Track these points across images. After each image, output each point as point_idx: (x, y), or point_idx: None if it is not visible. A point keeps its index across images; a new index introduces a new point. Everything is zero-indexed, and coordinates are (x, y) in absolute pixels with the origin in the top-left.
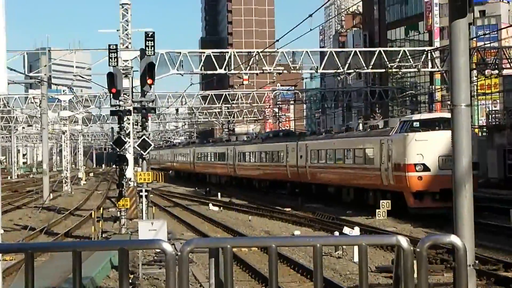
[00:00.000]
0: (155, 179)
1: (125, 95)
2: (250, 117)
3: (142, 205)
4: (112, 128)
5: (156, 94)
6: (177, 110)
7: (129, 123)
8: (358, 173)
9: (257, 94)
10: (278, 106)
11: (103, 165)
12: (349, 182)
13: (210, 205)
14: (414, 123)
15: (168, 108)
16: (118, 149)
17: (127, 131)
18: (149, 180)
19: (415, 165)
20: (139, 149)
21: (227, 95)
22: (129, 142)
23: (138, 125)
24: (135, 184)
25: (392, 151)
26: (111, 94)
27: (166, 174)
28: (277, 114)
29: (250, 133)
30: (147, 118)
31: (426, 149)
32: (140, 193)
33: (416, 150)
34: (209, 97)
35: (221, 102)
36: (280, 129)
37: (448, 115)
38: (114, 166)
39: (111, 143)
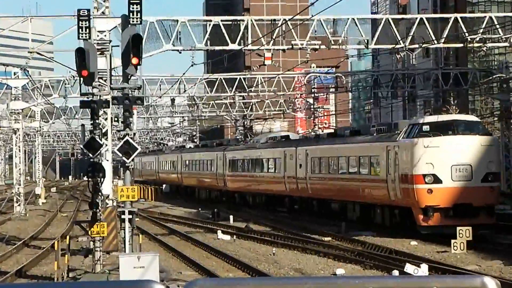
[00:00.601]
0: (142, 197)
1: (100, 80)
2: (275, 110)
3: (124, 233)
4: (82, 125)
5: (144, 79)
6: (173, 100)
7: (106, 119)
8: (363, 186)
9: (284, 79)
10: (313, 95)
11: (70, 177)
12: (354, 197)
13: (219, 232)
14: (424, 127)
15: (160, 98)
16: (91, 155)
17: (103, 130)
18: (134, 198)
19: (424, 176)
20: (120, 155)
21: (242, 80)
22: (106, 145)
23: (119, 122)
24: (115, 204)
25: (399, 159)
26: (82, 79)
27: (157, 189)
28: (311, 107)
29: (277, 132)
30: (131, 112)
31: (437, 157)
32: (122, 216)
33: (426, 159)
34: (217, 82)
35: (233, 89)
36: (283, 131)
37: (464, 117)
38: (85, 178)
39: (81, 146)
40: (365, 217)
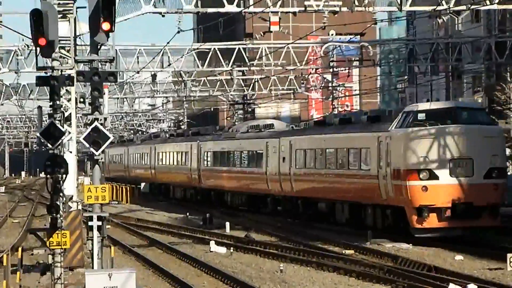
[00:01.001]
0: (114, 198)
1: (62, 51)
2: (283, 89)
3: (92, 244)
4: (39, 108)
5: (117, 49)
6: (154, 77)
7: (69, 100)
8: (352, 183)
9: (295, 50)
10: (332, 70)
11: (23, 174)
12: (343, 196)
13: (212, 243)
14: (419, 115)
15: (138, 73)
16: (49, 146)
17: (65, 114)
18: (104, 200)
19: (419, 171)
20: (88, 146)
21: (242, 51)
22: (69, 134)
23: (86, 104)
24: (80, 207)
25: (391, 152)
26: (38, 49)
27: (133, 189)
28: (329, 85)
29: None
30: (101, 91)
31: (433, 150)
32: (90, 223)
33: (420, 152)
34: (210, 54)
35: (231, 63)
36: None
37: (465, 103)
38: (42, 175)
39: (37, 134)
40: (355, 218)
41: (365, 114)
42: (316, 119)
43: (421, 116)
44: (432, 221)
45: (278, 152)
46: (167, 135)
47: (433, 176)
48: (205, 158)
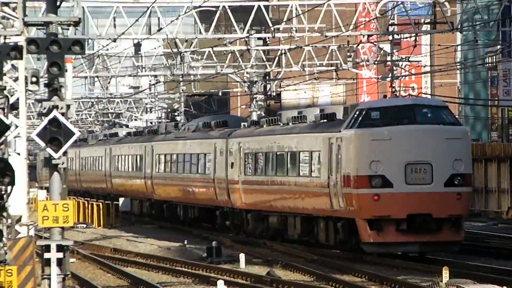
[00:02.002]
0: (82, 220)
1: (6, 9)
2: (321, 64)
3: (49, 285)
4: None
5: (85, 7)
6: (138, 46)
7: (16, 80)
8: (302, 192)
9: (338, 9)
10: (391, 37)
11: None
12: (294, 208)
13: (221, 284)
14: (373, 113)
15: (115, 41)
16: None
17: (10, 99)
18: (67, 222)
19: (370, 177)
20: (43, 145)
21: (264, 10)
22: (16, 127)
23: (40, 85)
24: (33, 233)
25: (342, 156)
26: None
27: (108, 206)
28: (388, 58)
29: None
30: (63, 67)
31: (387, 153)
32: (46, 255)
33: (372, 156)
34: (217, 15)
35: (247, 27)
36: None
37: (426, 100)
38: None
39: None
40: (308, 234)
41: (321, 110)
42: (272, 117)
43: (375, 114)
44: (385, 235)
45: (225, 155)
46: (125, 132)
47: (386, 184)
48: (157, 163)
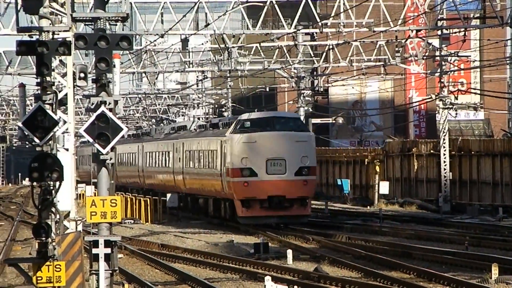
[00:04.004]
0: (130, 216)
1: (54, 4)
2: (369, 60)
3: (97, 280)
4: (22, 87)
5: (133, 2)
6: (185, 42)
7: (64, 76)
8: (211, 180)
9: (387, 4)
10: (440, 32)
11: None
12: (209, 191)
13: (268, 280)
14: (245, 123)
15: (163, 37)
16: (36, 141)
17: (59, 95)
18: (115, 218)
19: (241, 169)
20: (92, 140)
21: (311, 6)
22: (65, 123)
23: (88, 81)
24: (80, 229)
25: (226, 154)
26: (19, 1)
27: (156, 201)
28: (437, 53)
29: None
30: (111, 63)
31: (253, 152)
32: (94, 251)
33: (243, 153)
34: (264, 10)
35: (294, 23)
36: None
37: (283, 114)
38: (26, 182)
39: (18, 124)
40: (218, 211)
41: (229, 120)
42: (201, 124)
43: (247, 124)
44: (253, 210)
45: (173, 152)
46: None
47: (253, 174)
48: (145, 158)
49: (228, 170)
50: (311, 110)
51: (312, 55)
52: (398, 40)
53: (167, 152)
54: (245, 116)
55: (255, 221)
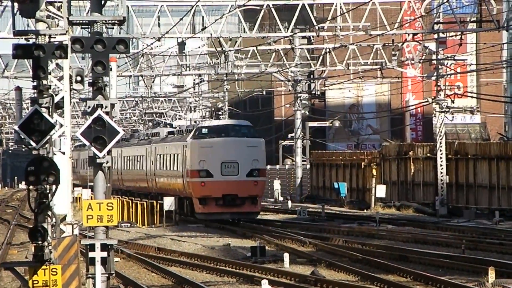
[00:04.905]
0: (126, 220)
1: (51, 8)
2: (366, 63)
3: (94, 284)
4: (18, 90)
5: (130, 6)
6: (182, 45)
7: (61, 79)
8: (176, 181)
9: (383, 7)
10: (436, 35)
11: None
12: (175, 191)
13: (265, 284)
14: (203, 130)
15: (159, 41)
16: (32, 144)
17: (55, 98)
18: (112, 221)
19: (199, 171)
20: (88, 144)
21: (308, 9)
22: (61, 126)
23: (85, 84)
24: (77, 232)
25: (186, 157)
26: (16, 4)
27: (152, 205)
28: (434, 57)
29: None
30: (107, 66)
31: (209, 155)
32: (90, 254)
33: (200, 157)
34: (261, 13)
35: (291, 26)
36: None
37: (237, 122)
38: (22, 185)
39: (15, 127)
40: (183, 208)
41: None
42: (170, 130)
43: (204, 131)
44: (209, 207)
45: (149, 156)
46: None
47: (209, 175)
48: (123, 161)
49: (188, 172)
50: (307, 113)
51: (309, 59)
52: (394, 44)
53: (141, 156)
54: (203, 124)
55: (211, 217)
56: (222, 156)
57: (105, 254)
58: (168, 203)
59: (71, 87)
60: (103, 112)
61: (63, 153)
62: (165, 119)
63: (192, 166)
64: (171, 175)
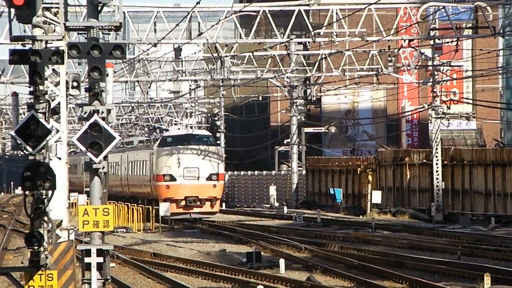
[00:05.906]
0: (122, 225)
1: (48, 13)
2: (362, 69)
3: None
4: (14, 96)
5: (126, 12)
6: (178, 51)
7: (57, 84)
8: (144, 185)
9: (379, 13)
10: (432, 41)
11: None
12: (144, 194)
13: None
14: (168, 139)
15: (155, 46)
16: (29, 150)
17: (52, 104)
18: (108, 227)
19: (164, 175)
20: (84, 149)
21: (304, 16)
22: (58, 132)
23: (81, 90)
24: (73, 237)
25: (153, 163)
26: (12, 10)
27: (148, 210)
28: (430, 63)
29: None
30: (103, 72)
31: (174, 161)
32: (86, 260)
33: (165, 163)
34: (257, 19)
35: (287, 32)
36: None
37: (198, 131)
38: (18, 190)
39: (11, 133)
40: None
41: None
42: (141, 139)
43: (169, 139)
44: (172, 208)
45: (123, 163)
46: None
47: (173, 179)
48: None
49: (154, 176)
50: (303, 119)
51: (305, 64)
52: (390, 50)
53: (116, 163)
54: (167, 133)
55: (174, 217)
56: (184, 162)
57: (101, 259)
58: (164, 208)
59: (68, 92)
60: (100, 117)
61: (60, 158)
62: (160, 125)
63: (158, 171)
64: (141, 179)
